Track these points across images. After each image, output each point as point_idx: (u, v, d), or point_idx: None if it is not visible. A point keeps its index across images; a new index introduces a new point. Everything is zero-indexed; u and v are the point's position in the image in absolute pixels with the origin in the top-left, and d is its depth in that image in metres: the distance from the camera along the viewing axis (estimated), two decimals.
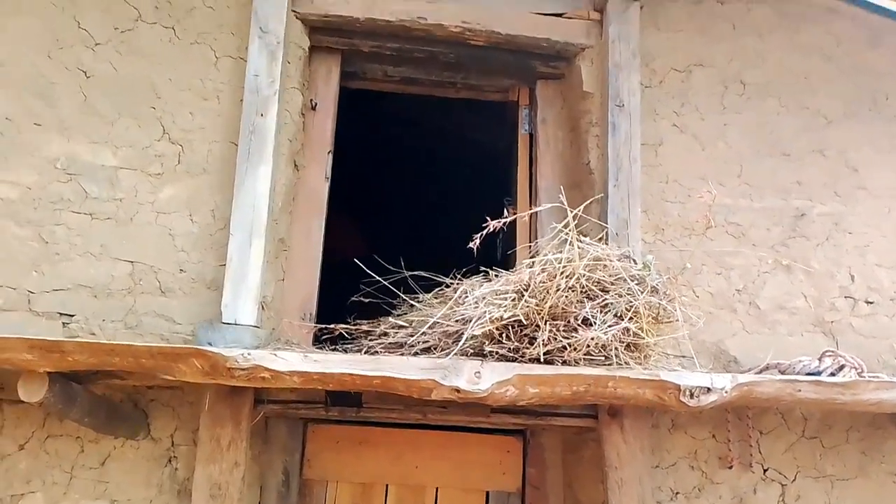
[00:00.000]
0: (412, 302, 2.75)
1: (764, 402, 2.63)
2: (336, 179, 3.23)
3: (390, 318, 2.73)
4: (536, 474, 2.98)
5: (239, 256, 2.78)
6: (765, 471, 2.92)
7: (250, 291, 2.76)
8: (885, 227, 3.16)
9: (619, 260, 2.54)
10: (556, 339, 2.39)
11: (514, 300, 2.43)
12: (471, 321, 2.45)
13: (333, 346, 2.66)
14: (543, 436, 2.98)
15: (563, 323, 2.42)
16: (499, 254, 3.20)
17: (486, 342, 2.44)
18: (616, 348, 2.42)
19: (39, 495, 2.69)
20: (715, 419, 2.89)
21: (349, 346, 2.65)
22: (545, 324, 2.39)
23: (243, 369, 2.32)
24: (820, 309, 3.05)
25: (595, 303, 2.42)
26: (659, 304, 2.50)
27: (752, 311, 3.01)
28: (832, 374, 2.63)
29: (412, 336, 2.59)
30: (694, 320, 2.53)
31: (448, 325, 2.53)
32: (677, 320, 2.53)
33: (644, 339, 2.46)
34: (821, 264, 3.09)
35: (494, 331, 2.42)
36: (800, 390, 2.51)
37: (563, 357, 2.41)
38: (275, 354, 2.36)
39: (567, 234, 2.47)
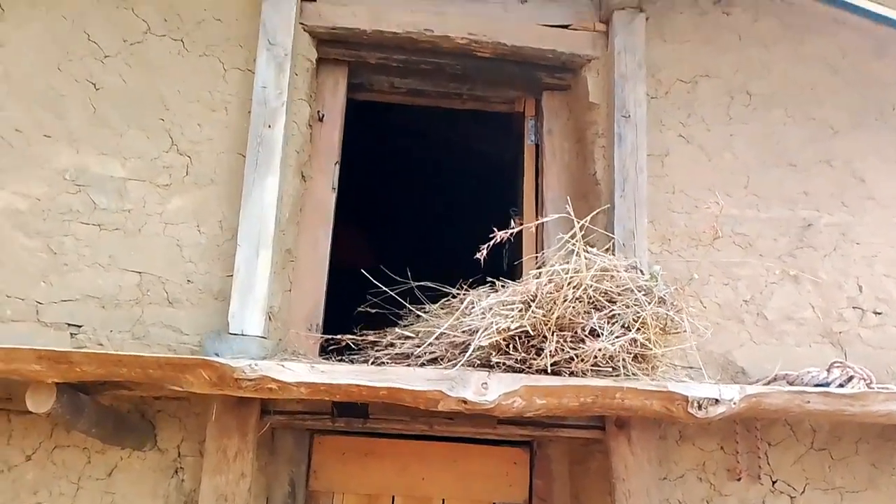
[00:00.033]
0: (419, 312, 2.74)
1: (772, 413, 2.62)
2: (343, 190, 3.24)
3: (397, 329, 2.73)
4: (543, 486, 2.97)
5: (246, 267, 2.79)
6: (773, 483, 2.90)
7: (257, 302, 2.77)
8: (893, 237, 3.15)
9: (626, 270, 2.54)
10: (563, 349, 2.39)
11: (521, 311, 2.43)
12: (477, 332, 2.45)
13: (340, 357, 2.66)
14: (550, 447, 2.97)
15: (570, 334, 2.42)
16: (505, 264, 3.19)
17: (493, 353, 2.44)
18: (624, 359, 2.42)
19: None
20: (723, 431, 2.88)
21: (356, 356, 2.65)
22: (552, 335, 2.39)
23: (250, 380, 2.33)
24: (828, 319, 3.03)
25: (602, 313, 2.42)
26: (666, 314, 2.49)
27: (759, 322, 3.00)
28: (841, 386, 2.61)
29: (419, 347, 2.59)
30: (701, 331, 2.52)
31: (455, 336, 2.53)
32: (685, 331, 2.52)
33: (652, 350, 2.46)
34: (828, 275, 3.07)
35: (501, 342, 2.42)
36: (808, 402, 2.50)
37: (570, 368, 2.41)
38: (282, 365, 2.36)
39: (574, 244, 2.47)
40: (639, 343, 2.44)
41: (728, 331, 2.97)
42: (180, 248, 2.90)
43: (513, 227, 2.55)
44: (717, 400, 2.40)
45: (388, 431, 2.86)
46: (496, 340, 2.41)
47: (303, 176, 3.12)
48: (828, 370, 2.69)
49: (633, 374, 2.42)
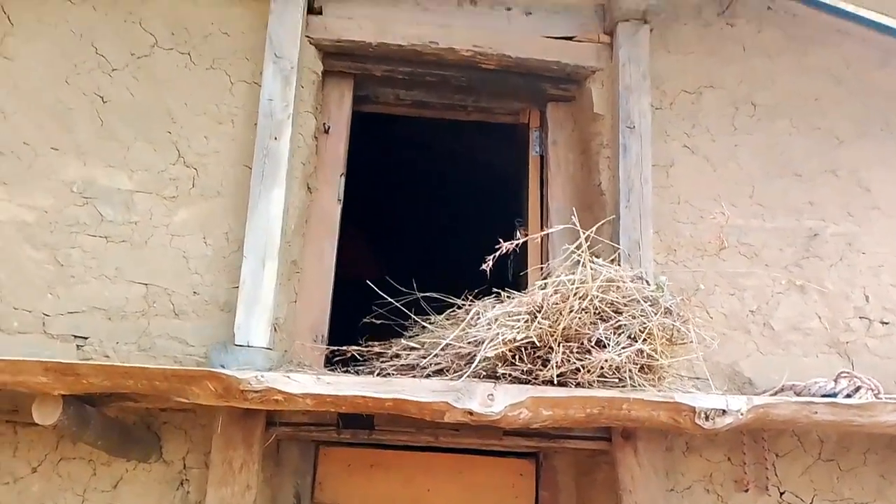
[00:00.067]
0: (424, 324, 2.74)
1: (780, 424, 2.61)
2: (349, 202, 3.25)
3: (402, 340, 2.73)
4: (549, 497, 2.96)
5: (252, 278, 2.80)
6: (781, 494, 2.88)
7: (263, 313, 2.77)
8: None
9: (632, 281, 2.54)
10: (569, 360, 2.39)
11: (526, 322, 2.43)
12: (483, 343, 2.45)
13: (345, 368, 2.66)
14: (556, 459, 2.96)
15: (576, 345, 2.41)
16: (510, 275, 3.19)
17: (499, 364, 2.44)
18: (630, 370, 2.41)
19: None
20: (730, 442, 2.87)
21: (361, 367, 2.65)
22: (558, 345, 2.39)
23: (256, 392, 2.33)
24: (835, 330, 3.02)
25: (608, 324, 2.42)
26: (673, 325, 2.49)
27: (766, 333, 2.99)
28: (848, 396, 2.60)
29: (424, 358, 2.58)
30: (708, 342, 2.52)
31: (460, 347, 2.53)
32: (691, 342, 2.51)
33: (658, 360, 2.45)
34: (835, 285, 3.06)
35: (507, 353, 2.42)
36: (816, 412, 2.49)
37: (576, 379, 2.40)
38: (288, 377, 2.36)
39: (580, 255, 2.47)
40: (645, 354, 2.43)
41: (734, 341, 2.96)
42: (186, 259, 2.91)
43: (518, 238, 2.55)
44: (724, 411, 2.39)
45: (394, 443, 2.85)
46: (502, 351, 2.41)
47: (308, 188, 3.13)
48: (835, 380, 2.68)
49: (639, 384, 2.41)
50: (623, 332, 2.42)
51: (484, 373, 2.45)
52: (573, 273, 2.47)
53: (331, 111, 3.28)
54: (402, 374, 2.54)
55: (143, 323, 2.83)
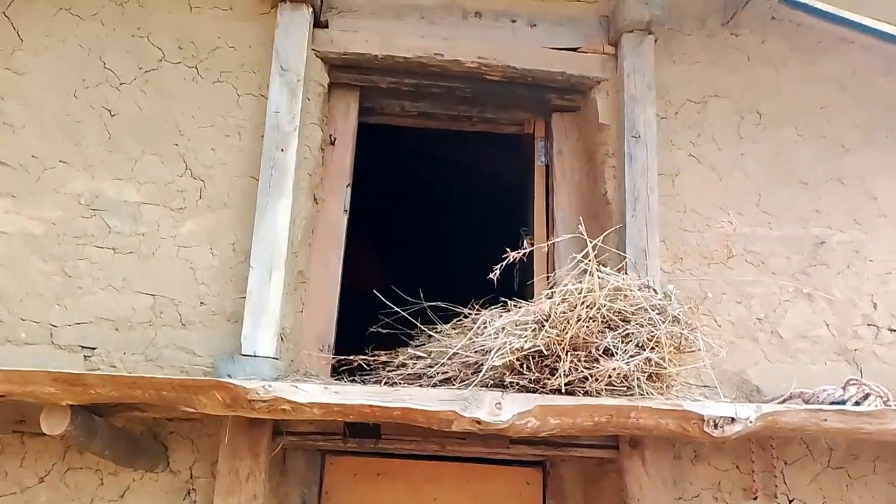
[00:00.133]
0: (430, 333, 2.74)
1: (789, 432, 2.60)
2: (355, 212, 3.26)
3: (409, 349, 2.73)
4: None
5: (259, 289, 2.80)
6: (790, 501, 2.87)
7: (270, 323, 2.78)
8: None
9: (639, 290, 2.54)
10: (577, 369, 2.39)
11: (534, 330, 2.43)
12: (490, 352, 2.45)
13: (351, 378, 2.66)
14: (563, 467, 2.95)
15: (584, 353, 2.41)
16: (516, 285, 3.20)
17: (507, 373, 2.44)
18: (638, 378, 2.41)
19: None
20: (738, 450, 2.85)
21: (367, 377, 2.65)
22: (566, 354, 2.39)
23: (264, 401, 2.33)
24: (843, 337, 3.01)
25: (616, 333, 2.42)
26: (681, 333, 2.48)
27: (773, 340, 2.98)
28: (857, 403, 2.59)
29: (431, 367, 2.59)
30: (716, 350, 2.51)
31: (467, 356, 2.53)
32: (699, 350, 2.51)
33: (666, 368, 2.44)
34: (842, 292, 3.06)
35: (515, 361, 2.42)
36: (825, 420, 2.48)
37: (584, 387, 2.40)
38: (295, 386, 2.36)
39: (587, 264, 2.47)
40: (653, 362, 2.43)
41: (742, 349, 2.95)
42: (193, 270, 2.92)
43: (525, 247, 2.55)
44: (732, 419, 2.39)
45: (401, 452, 2.85)
46: (510, 360, 2.41)
47: (315, 198, 3.14)
48: (844, 388, 2.67)
49: (647, 393, 2.41)
50: (631, 341, 2.42)
51: (491, 382, 2.45)
52: (580, 282, 2.47)
53: (337, 123, 3.30)
54: (408, 384, 2.54)
55: (151, 333, 2.84)
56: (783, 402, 2.69)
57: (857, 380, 2.72)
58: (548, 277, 3.01)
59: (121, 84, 3.08)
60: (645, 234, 2.96)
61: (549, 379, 2.39)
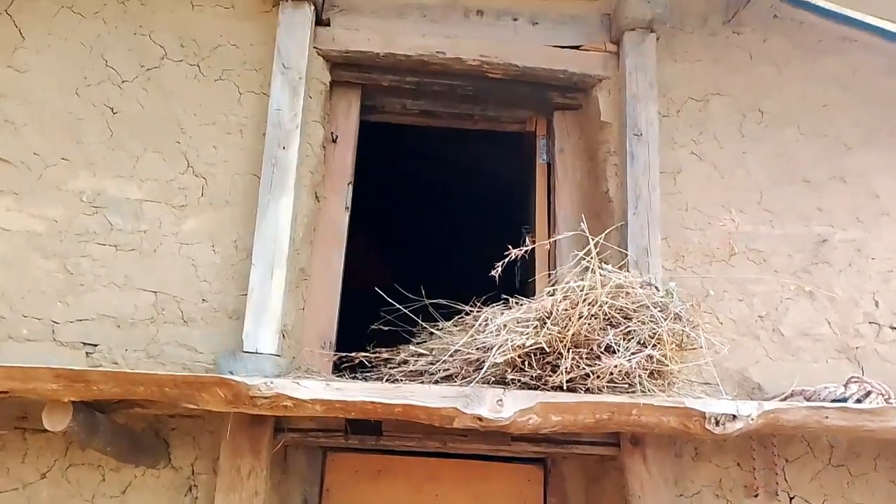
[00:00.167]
0: (432, 330, 2.74)
1: (790, 429, 2.60)
2: (356, 210, 3.26)
3: (410, 346, 2.73)
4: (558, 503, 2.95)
5: (260, 286, 2.80)
6: (791, 499, 2.87)
7: (271, 321, 2.78)
8: None
9: (641, 287, 2.54)
10: (578, 366, 2.39)
11: (536, 328, 2.43)
12: (492, 349, 2.45)
13: (353, 375, 2.66)
14: (564, 465, 2.95)
15: (585, 350, 2.41)
16: (517, 283, 3.20)
17: (509, 370, 2.44)
18: (640, 375, 2.41)
19: None
20: (739, 447, 2.85)
21: (369, 374, 2.65)
22: (568, 351, 2.39)
23: (266, 398, 2.33)
24: (844, 335, 3.01)
25: (618, 330, 2.42)
26: (682, 330, 2.48)
27: (775, 338, 2.99)
28: (858, 401, 2.59)
29: (433, 364, 2.59)
30: (718, 347, 2.51)
31: (469, 353, 2.53)
32: (701, 347, 2.51)
33: (668, 366, 2.44)
34: (844, 290, 3.06)
35: (517, 358, 2.42)
36: (827, 417, 2.48)
37: (585, 385, 2.40)
38: (297, 383, 2.36)
39: (588, 261, 2.47)
40: (655, 359, 2.43)
41: (744, 347, 2.95)
42: (195, 267, 2.92)
43: (527, 245, 2.55)
44: (734, 416, 2.39)
45: (402, 449, 2.85)
46: (511, 357, 2.41)
47: (316, 196, 3.15)
48: (845, 385, 2.67)
49: (649, 390, 2.41)
50: (632, 338, 2.42)
51: (493, 379, 2.45)
52: (582, 279, 2.47)
53: (338, 121, 3.30)
54: (410, 380, 2.54)
55: (152, 330, 2.84)
56: (784, 399, 2.69)
57: (858, 377, 2.72)
58: (549, 275, 3.01)
59: (122, 82, 3.08)
60: (647, 232, 2.96)
61: (550, 376, 2.39)
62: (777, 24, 3.34)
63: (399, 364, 2.66)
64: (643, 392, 2.40)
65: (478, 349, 2.52)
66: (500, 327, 2.50)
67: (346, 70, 3.27)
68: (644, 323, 2.45)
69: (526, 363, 2.42)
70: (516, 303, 2.61)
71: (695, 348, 2.53)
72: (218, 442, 2.70)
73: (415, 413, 2.37)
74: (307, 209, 3.05)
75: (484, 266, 2.54)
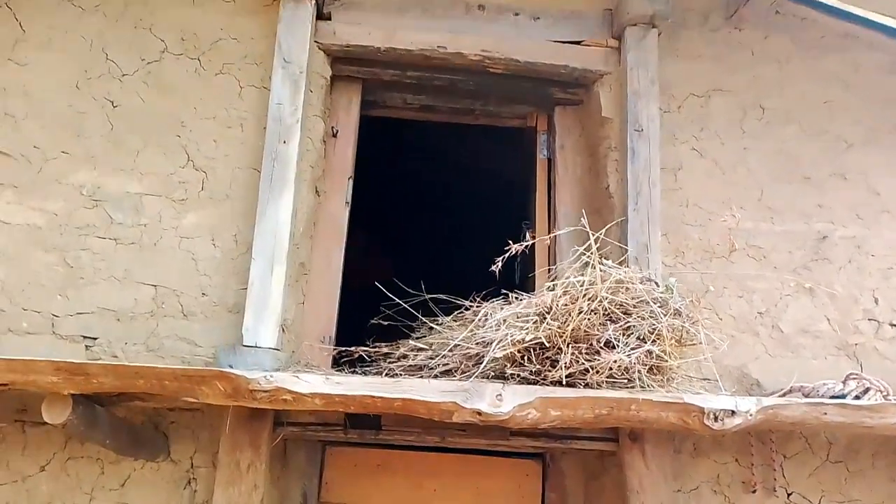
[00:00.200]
0: (432, 325, 2.74)
1: (789, 425, 2.60)
2: (356, 205, 3.26)
3: (410, 341, 2.73)
4: (556, 499, 2.96)
5: (260, 281, 2.80)
6: (789, 495, 2.87)
7: (271, 315, 2.78)
8: None
9: (641, 283, 2.54)
10: (578, 361, 2.38)
11: (535, 323, 2.43)
12: (492, 344, 2.45)
13: (352, 369, 2.66)
14: (563, 460, 2.96)
15: (585, 345, 2.41)
16: (517, 278, 3.20)
17: (508, 365, 2.44)
18: (639, 371, 2.40)
19: None
20: (738, 443, 2.86)
21: (368, 368, 2.66)
22: (567, 346, 2.39)
23: (265, 391, 2.33)
24: (843, 332, 3.01)
25: (618, 325, 2.41)
26: (682, 326, 2.48)
27: (774, 335, 2.99)
28: (857, 398, 2.59)
29: (432, 359, 2.59)
30: (717, 343, 2.51)
31: (469, 348, 2.53)
32: (700, 343, 2.51)
33: (667, 361, 2.44)
34: (844, 287, 3.06)
35: (516, 353, 2.42)
36: (825, 413, 2.48)
37: (585, 380, 2.40)
38: (297, 377, 2.36)
39: (588, 257, 2.47)
40: (654, 355, 2.43)
41: (743, 343, 2.95)
42: (195, 261, 2.93)
43: (528, 240, 2.55)
44: (733, 412, 2.39)
45: (401, 443, 2.85)
46: (511, 352, 2.41)
47: (317, 191, 3.15)
48: (844, 382, 2.67)
49: (648, 385, 2.40)
50: (632, 334, 2.42)
51: (492, 373, 2.45)
52: (582, 275, 2.47)
53: (339, 115, 3.30)
54: (410, 375, 2.54)
55: (152, 324, 2.84)
56: (783, 396, 2.69)
57: (857, 374, 2.73)
58: (549, 270, 3.01)
59: (123, 76, 3.08)
60: (647, 228, 2.96)
61: (550, 371, 2.39)
62: (779, 21, 3.34)
63: (399, 359, 2.66)
64: (642, 387, 2.39)
65: (477, 344, 2.52)
66: (500, 322, 2.50)
67: (346, 64, 3.27)
68: (644, 318, 2.45)
69: (525, 358, 2.42)
70: (516, 298, 2.61)
71: (694, 344, 2.53)
72: (217, 436, 2.70)
73: (414, 407, 2.37)
74: (307, 204, 3.05)
75: (484, 262, 2.54)
